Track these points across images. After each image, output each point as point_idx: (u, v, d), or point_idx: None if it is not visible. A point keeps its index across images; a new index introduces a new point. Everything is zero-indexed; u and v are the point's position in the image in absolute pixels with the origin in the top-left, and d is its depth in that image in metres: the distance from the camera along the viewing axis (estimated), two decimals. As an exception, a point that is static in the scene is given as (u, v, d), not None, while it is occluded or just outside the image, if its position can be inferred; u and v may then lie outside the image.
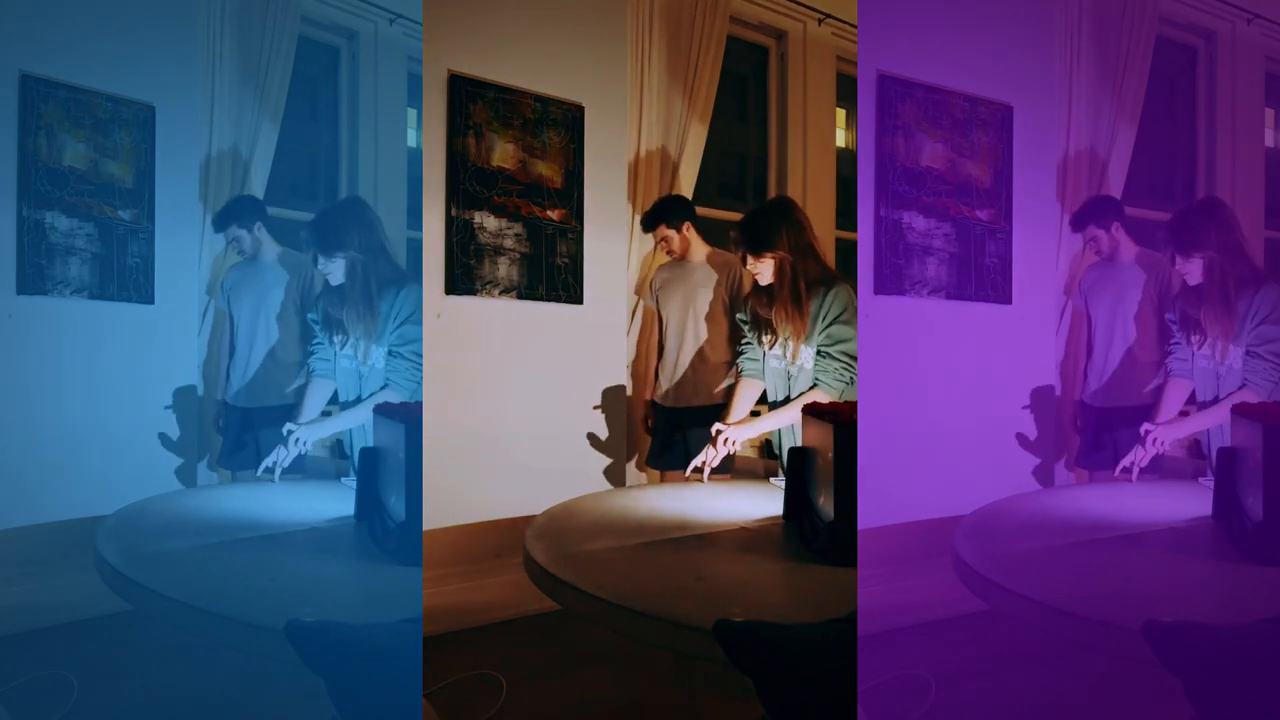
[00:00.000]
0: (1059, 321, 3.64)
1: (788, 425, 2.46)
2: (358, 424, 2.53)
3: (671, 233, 3.38)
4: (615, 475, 3.56)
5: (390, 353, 2.44)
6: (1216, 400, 2.45)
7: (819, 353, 2.36)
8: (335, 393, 2.65)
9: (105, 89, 3.11)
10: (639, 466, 3.78)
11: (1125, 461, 2.47)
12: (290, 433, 2.41)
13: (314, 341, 2.60)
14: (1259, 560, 1.76)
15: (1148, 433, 2.45)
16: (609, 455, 3.57)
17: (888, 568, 2.94)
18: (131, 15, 3.16)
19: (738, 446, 2.45)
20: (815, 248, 2.42)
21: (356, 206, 2.58)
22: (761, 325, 2.49)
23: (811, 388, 2.38)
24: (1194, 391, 2.60)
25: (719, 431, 2.45)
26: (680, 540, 1.91)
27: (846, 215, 4.58)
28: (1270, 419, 1.81)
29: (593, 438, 3.52)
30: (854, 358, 2.35)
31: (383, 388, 2.45)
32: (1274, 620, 1.31)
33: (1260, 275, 2.40)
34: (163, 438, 3.26)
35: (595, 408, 3.48)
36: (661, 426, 3.47)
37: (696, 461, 2.47)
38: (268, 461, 2.41)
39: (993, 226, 3.32)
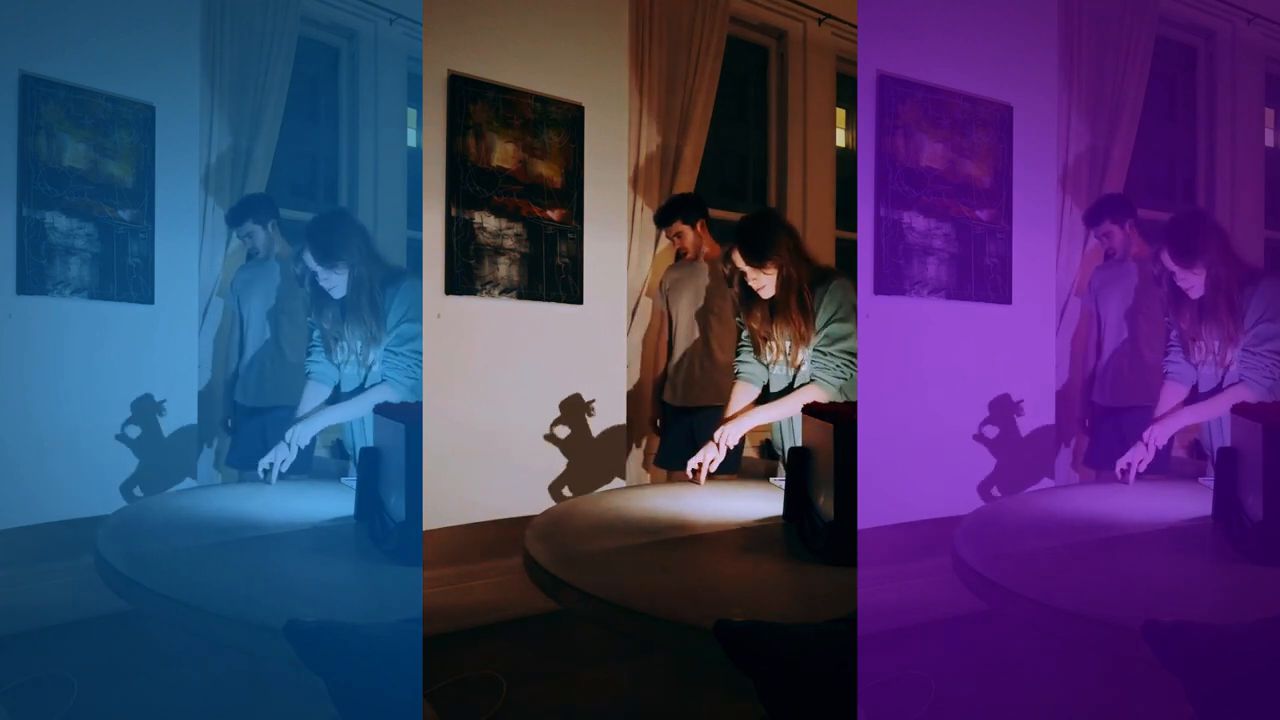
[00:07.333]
0: (1059, 321, 3.65)
1: (785, 419, 2.45)
2: (354, 417, 2.52)
3: (686, 229, 3.40)
4: (616, 475, 3.56)
5: (388, 351, 2.44)
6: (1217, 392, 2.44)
7: (816, 350, 2.35)
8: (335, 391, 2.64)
9: (105, 89, 3.11)
10: (645, 466, 3.79)
11: (1122, 463, 2.45)
12: (289, 436, 2.40)
13: (310, 344, 2.59)
14: (1259, 560, 1.76)
15: (1148, 434, 2.44)
16: (609, 456, 3.57)
17: (888, 568, 2.94)
18: (131, 15, 3.16)
19: (733, 442, 2.42)
20: (806, 250, 2.41)
21: (348, 217, 2.57)
22: (759, 340, 2.45)
23: (809, 382, 2.37)
24: (1195, 393, 2.58)
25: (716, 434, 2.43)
26: (680, 540, 1.91)
27: (846, 215, 4.58)
28: (1270, 419, 1.81)
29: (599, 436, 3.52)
30: (853, 354, 2.33)
31: (380, 383, 2.45)
32: (1274, 620, 1.31)
33: (1256, 273, 2.39)
34: (163, 438, 3.26)
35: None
36: (670, 426, 3.48)
37: (692, 463, 2.41)
38: (264, 462, 2.40)
39: (993, 226, 3.32)
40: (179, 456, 3.29)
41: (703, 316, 3.41)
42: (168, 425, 3.25)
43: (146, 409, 3.17)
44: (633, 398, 3.71)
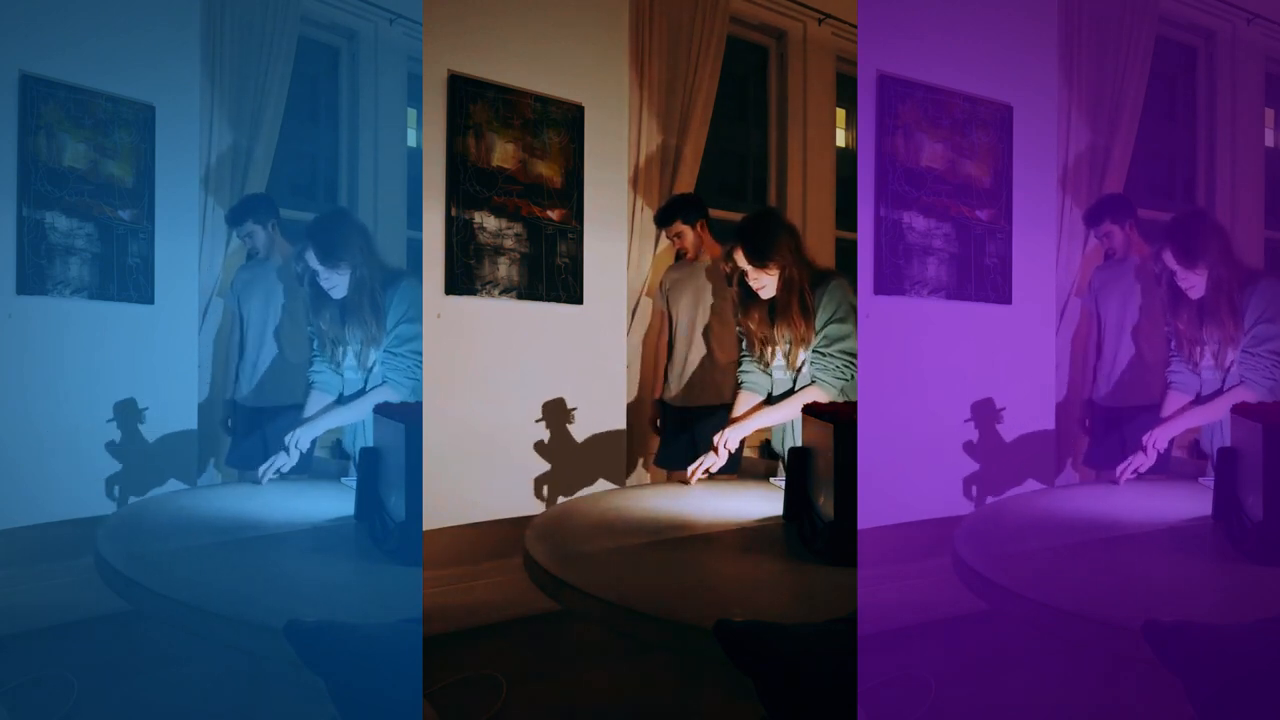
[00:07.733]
0: (1059, 321, 3.64)
1: (786, 422, 2.45)
2: (355, 420, 2.52)
3: (686, 229, 3.40)
4: (616, 475, 3.56)
5: (387, 351, 2.44)
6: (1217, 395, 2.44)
7: (816, 351, 2.35)
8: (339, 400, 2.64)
9: (105, 89, 3.11)
10: (646, 467, 3.79)
11: (1122, 466, 2.45)
12: (289, 440, 2.40)
13: (313, 353, 2.59)
14: (1259, 560, 1.76)
15: (1148, 439, 2.44)
16: (609, 456, 3.57)
17: (888, 568, 2.94)
18: (131, 15, 3.16)
19: (733, 446, 2.42)
20: (806, 251, 2.41)
21: (349, 217, 2.58)
22: (756, 341, 2.45)
23: (810, 384, 2.37)
24: (1198, 400, 2.58)
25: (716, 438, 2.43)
26: (680, 540, 1.91)
27: (846, 215, 4.58)
28: (1270, 419, 1.81)
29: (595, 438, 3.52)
30: (852, 355, 2.33)
31: (381, 384, 2.45)
32: (1274, 620, 1.31)
33: (1255, 273, 2.39)
34: (164, 438, 3.26)
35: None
36: (670, 426, 3.48)
37: (693, 467, 2.42)
38: (263, 469, 2.39)
39: (993, 226, 3.32)
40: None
41: (703, 317, 3.41)
42: (168, 425, 3.25)
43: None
44: (632, 398, 3.72)
